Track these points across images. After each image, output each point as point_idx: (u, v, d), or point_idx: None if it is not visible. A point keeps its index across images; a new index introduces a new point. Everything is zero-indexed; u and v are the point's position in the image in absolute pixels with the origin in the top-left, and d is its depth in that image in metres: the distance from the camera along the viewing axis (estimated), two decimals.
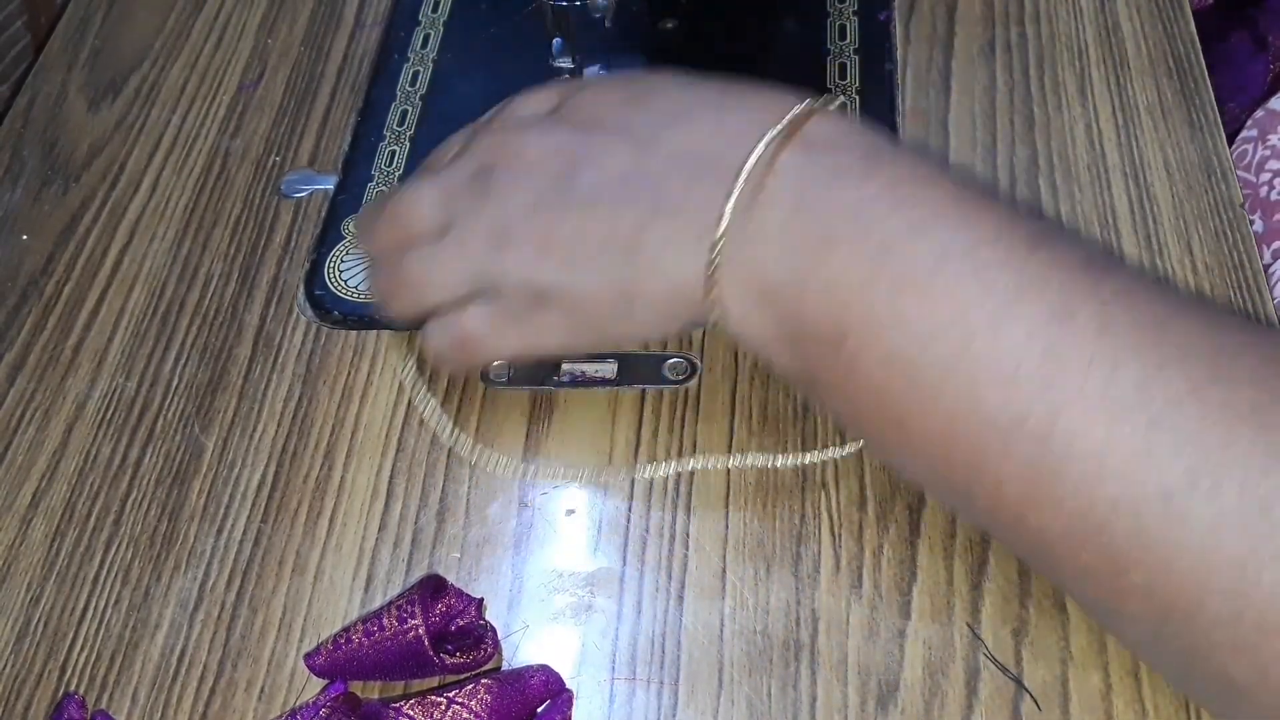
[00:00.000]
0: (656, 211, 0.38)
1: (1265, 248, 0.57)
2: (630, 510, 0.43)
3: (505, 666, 0.40)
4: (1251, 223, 0.57)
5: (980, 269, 0.34)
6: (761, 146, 0.36)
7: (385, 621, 0.39)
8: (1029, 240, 0.34)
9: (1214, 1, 0.68)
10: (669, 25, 0.57)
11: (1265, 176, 0.58)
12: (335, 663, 0.39)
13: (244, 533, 0.43)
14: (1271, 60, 0.66)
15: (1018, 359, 0.33)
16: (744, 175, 0.36)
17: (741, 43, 0.57)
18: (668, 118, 0.39)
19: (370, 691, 0.40)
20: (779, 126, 0.37)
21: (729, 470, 0.44)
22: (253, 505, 0.44)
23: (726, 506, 0.43)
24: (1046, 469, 0.33)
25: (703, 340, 0.47)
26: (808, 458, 0.44)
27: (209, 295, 0.51)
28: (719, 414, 0.45)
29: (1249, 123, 0.62)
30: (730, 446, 0.44)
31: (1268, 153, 0.59)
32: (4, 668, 0.41)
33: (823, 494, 0.42)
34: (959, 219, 0.35)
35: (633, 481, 0.44)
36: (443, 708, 0.37)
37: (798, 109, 0.37)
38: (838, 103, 0.38)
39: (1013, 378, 0.33)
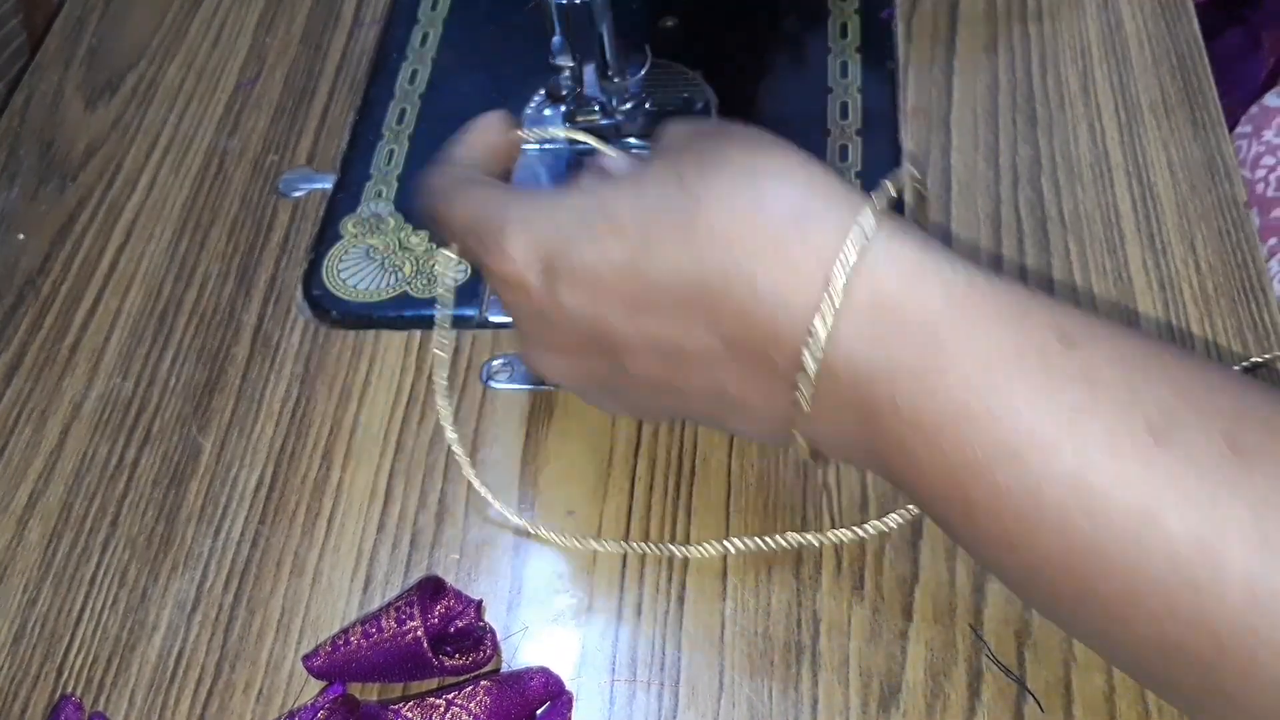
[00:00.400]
0: (721, 402, 0.35)
1: (1261, 244, 0.57)
2: (630, 511, 0.43)
3: (505, 668, 0.39)
4: None
5: (1114, 481, 0.29)
6: (821, 347, 0.31)
7: (384, 623, 0.38)
8: (1159, 415, 0.29)
9: None
10: (669, 24, 0.57)
11: (1260, 173, 0.58)
12: (334, 664, 0.39)
13: (242, 534, 0.43)
14: (1266, 56, 0.66)
15: (1174, 559, 0.29)
16: (810, 386, 0.32)
17: (742, 42, 0.57)
18: (696, 272, 0.33)
19: (369, 693, 0.39)
20: (834, 299, 0.31)
21: (730, 469, 0.43)
22: (250, 506, 0.44)
23: (727, 506, 0.42)
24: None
25: None
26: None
27: (206, 295, 0.50)
28: None
29: (1243, 118, 0.62)
30: (731, 444, 0.44)
31: (1262, 149, 0.59)
32: (1, 669, 0.41)
33: (824, 495, 0.42)
34: (1072, 426, 0.29)
35: (633, 482, 0.43)
36: (442, 710, 0.37)
37: (844, 273, 0.31)
38: (884, 201, 0.32)
39: (1174, 574, 0.29)
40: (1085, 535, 0.29)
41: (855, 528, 0.41)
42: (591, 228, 0.34)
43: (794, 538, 0.41)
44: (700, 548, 0.41)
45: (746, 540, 0.41)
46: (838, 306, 0.31)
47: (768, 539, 0.41)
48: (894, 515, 0.41)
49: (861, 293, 0.31)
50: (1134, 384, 0.30)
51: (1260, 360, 0.44)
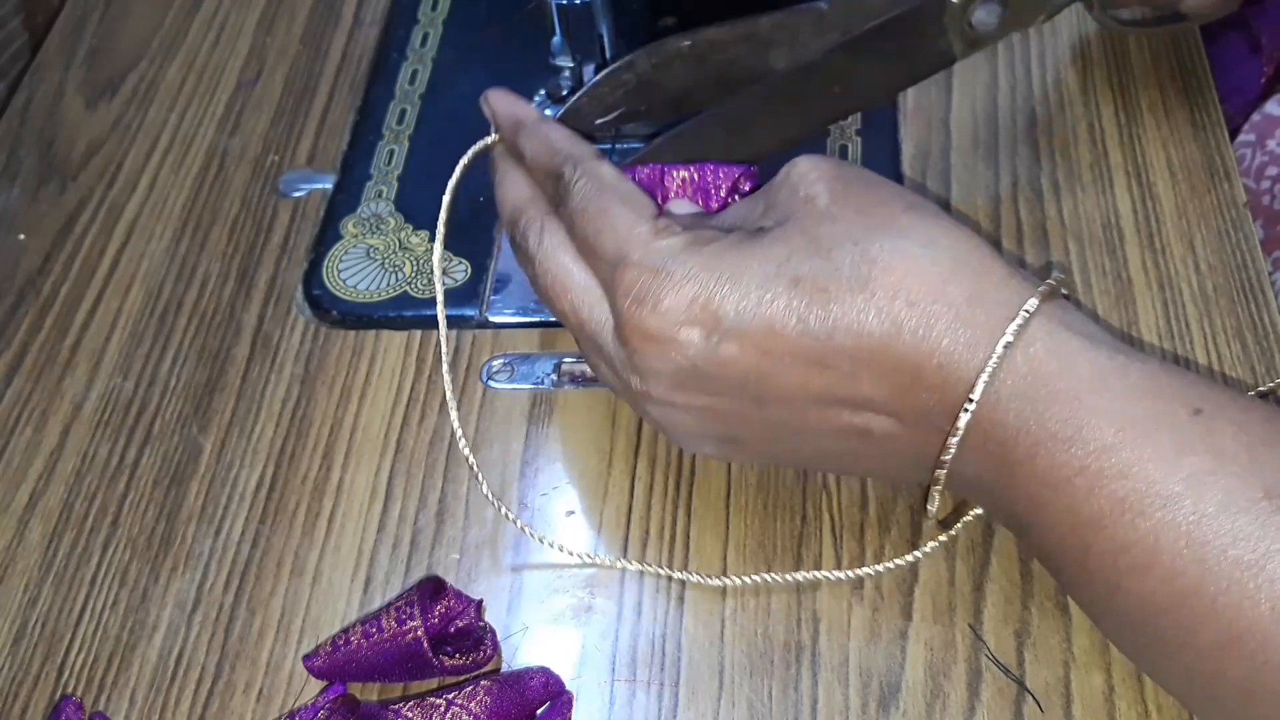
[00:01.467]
0: (864, 440, 0.37)
1: (1266, 256, 0.56)
2: (630, 511, 0.43)
3: (505, 668, 0.40)
4: None
5: (1228, 536, 0.31)
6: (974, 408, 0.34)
7: (384, 623, 0.38)
8: (1275, 480, 0.31)
9: None
10: (669, 24, 0.57)
11: (1265, 184, 0.58)
12: (334, 664, 0.39)
13: (242, 534, 0.43)
14: (1264, 62, 0.66)
15: (1277, 607, 0.30)
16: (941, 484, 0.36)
17: None
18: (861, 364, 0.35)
19: (369, 693, 0.39)
20: (997, 367, 0.34)
21: (730, 469, 0.43)
22: (251, 506, 0.44)
23: (727, 507, 0.42)
24: None
25: None
26: None
27: (207, 295, 0.50)
28: None
29: (1246, 126, 0.61)
30: None
31: (1266, 158, 0.58)
32: (1, 670, 0.41)
33: (824, 495, 0.42)
34: (1193, 485, 0.32)
35: (633, 481, 0.43)
36: (442, 709, 0.37)
37: (1005, 347, 0.34)
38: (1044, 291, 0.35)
39: (1276, 622, 0.31)
40: (1194, 581, 0.32)
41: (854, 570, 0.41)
42: (771, 284, 0.35)
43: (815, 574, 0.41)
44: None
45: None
46: (1000, 373, 0.34)
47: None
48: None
49: (1021, 364, 0.34)
50: (1255, 450, 0.32)
51: (1267, 388, 0.44)
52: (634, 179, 0.41)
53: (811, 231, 0.36)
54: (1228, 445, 0.32)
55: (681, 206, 0.42)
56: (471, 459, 0.42)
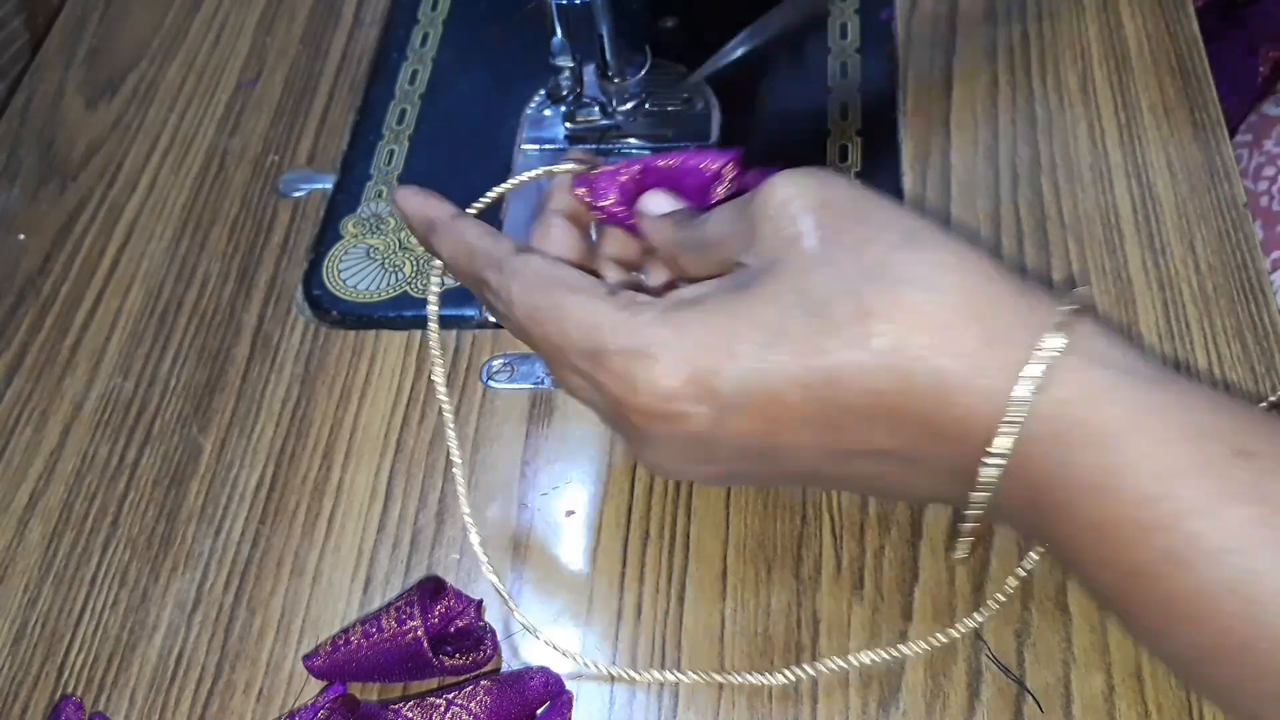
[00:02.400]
0: (880, 482, 0.36)
1: (1265, 257, 0.57)
2: (630, 511, 0.43)
3: (505, 668, 0.40)
4: None
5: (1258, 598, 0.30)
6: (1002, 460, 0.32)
7: (384, 623, 0.38)
8: None
9: (1204, 3, 0.68)
10: (669, 24, 0.57)
11: (1263, 184, 0.58)
12: (334, 664, 0.39)
13: (242, 534, 0.43)
14: (1261, 62, 0.66)
15: None
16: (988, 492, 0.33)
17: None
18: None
19: (369, 693, 0.39)
20: (1018, 417, 0.31)
21: None
22: (251, 506, 0.44)
23: (727, 507, 0.42)
24: None
25: None
26: None
27: (207, 295, 0.50)
28: None
29: (1243, 127, 0.61)
30: None
31: (1263, 159, 0.58)
32: (1, 669, 0.41)
33: (824, 495, 0.42)
34: (1241, 536, 0.30)
35: (633, 481, 0.43)
36: (442, 709, 0.37)
37: (1029, 392, 0.31)
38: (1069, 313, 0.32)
39: None
40: (1247, 637, 0.30)
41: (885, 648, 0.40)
42: (766, 353, 0.33)
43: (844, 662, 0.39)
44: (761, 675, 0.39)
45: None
46: (1025, 421, 0.31)
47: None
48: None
49: (1045, 408, 0.31)
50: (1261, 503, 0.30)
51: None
52: (617, 177, 0.40)
53: (801, 284, 0.33)
54: (1276, 491, 0.30)
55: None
56: (468, 517, 0.40)
